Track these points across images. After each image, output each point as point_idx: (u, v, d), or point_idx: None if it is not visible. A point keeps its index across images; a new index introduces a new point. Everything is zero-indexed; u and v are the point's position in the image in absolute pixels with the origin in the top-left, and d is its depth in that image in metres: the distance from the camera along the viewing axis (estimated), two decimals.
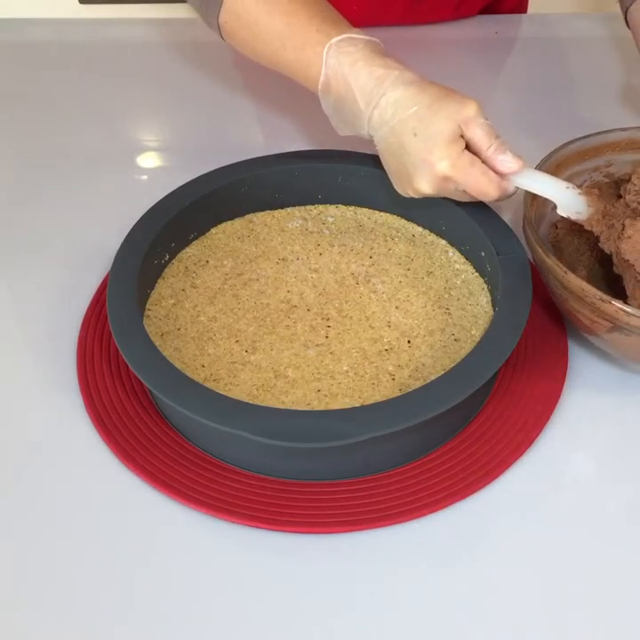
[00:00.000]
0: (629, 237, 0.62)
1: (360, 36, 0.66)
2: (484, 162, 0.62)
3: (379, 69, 0.64)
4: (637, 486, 0.61)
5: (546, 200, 0.67)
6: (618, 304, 0.57)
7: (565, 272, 0.59)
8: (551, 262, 0.60)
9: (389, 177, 0.68)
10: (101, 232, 0.79)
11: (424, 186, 0.64)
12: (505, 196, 0.64)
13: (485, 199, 0.64)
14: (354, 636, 0.53)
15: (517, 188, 0.64)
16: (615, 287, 0.69)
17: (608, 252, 0.65)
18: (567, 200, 0.65)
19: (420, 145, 0.62)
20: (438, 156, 0.61)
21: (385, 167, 0.68)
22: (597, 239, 0.66)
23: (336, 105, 0.67)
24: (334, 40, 0.65)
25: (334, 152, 0.78)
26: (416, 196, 0.66)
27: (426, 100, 0.62)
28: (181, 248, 0.74)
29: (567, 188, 0.65)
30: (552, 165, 0.68)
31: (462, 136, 0.62)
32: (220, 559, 0.57)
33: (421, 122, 0.62)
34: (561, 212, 0.65)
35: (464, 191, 0.63)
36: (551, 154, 0.69)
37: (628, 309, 0.56)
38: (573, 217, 0.65)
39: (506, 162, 0.62)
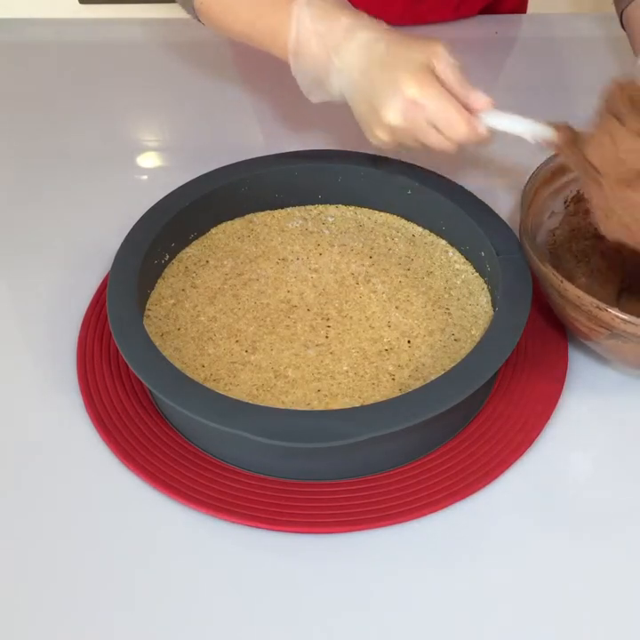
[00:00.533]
0: (592, 137, 0.60)
1: None
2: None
3: (347, 19, 0.64)
4: (637, 486, 0.61)
5: (542, 207, 0.67)
6: (614, 312, 0.57)
7: (562, 281, 0.59)
8: (547, 271, 0.60)
9: (360, 124, 0.67)
10: (101, 232, 0.79)
11: (392, 114, 0.62)
12: (474, 137, 0.62)
13: (455, 136, 0.62)
14: (354, 635, 0.53)
15: (488, 130, 0.63)
16: (616, 293, 0.70)
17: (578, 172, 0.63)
18: (537, 130, 0.63)
19: (388, 74, 0.61)
20: (407, 79, 0.60)
21: (355, 114, 0.66)
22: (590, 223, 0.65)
23: (306, 62, 0.66)
24: None
25: (334, 152, 0.78)
26: (385, 138, 0.64)
27: (395, 38, 0.62)
28: (181, 248, 0.74)
29: (535, 122, 0.63)
30: (547, 173, 0.68)
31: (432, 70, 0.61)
32: (220, 559, 0.57)
33: (390, 55, 0.62)
34: (531, 139, 0.63)
35: (434, 127, 0.62)
36: (546, 161, 0.68)
37: (625, 317, 0.56)
38: (543, 143, 0.63)
39: (477, 98, 0.62)
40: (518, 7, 1.15)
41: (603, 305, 0.57)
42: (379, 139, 0.65)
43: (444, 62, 0.61)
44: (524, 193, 0.66)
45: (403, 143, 0.65)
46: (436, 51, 0.61)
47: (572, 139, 0.62)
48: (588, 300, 0.58)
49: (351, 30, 0.63)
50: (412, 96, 0.61)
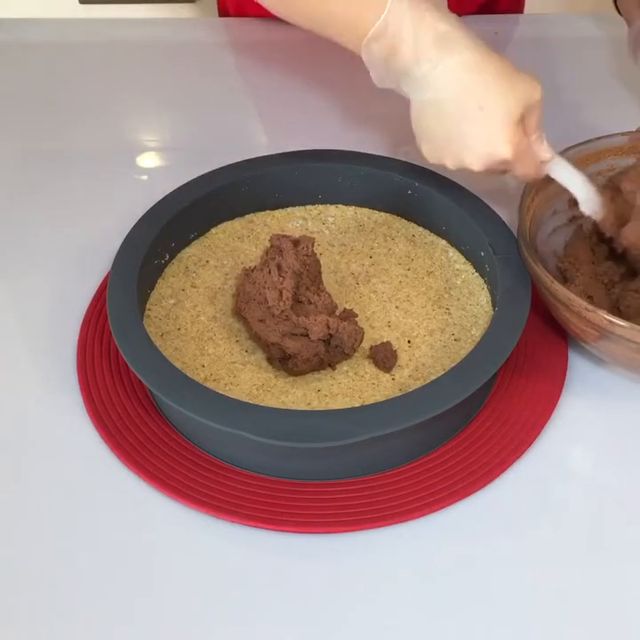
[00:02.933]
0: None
1: None
2: None
3: (444, 25, 0.61)
4: (637, 486, 0.61)
5: (545, 205, 0.67)
6: (603, 314, 0.57)
7: (552, 282, 0.59)
8: (540, 272, 0.60)
9: (424, 141, 0.65)
10: (101, 232, 0.79)
11: (474, 161, 0.62)
12: (534, 181, 0.67)
13: (524, 181, 0.66)
14: (354, 635, 0.53)
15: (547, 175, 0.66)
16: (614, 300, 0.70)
17: (620, 249, 0.67)
18: (588, 198, 0.66)
19: (486, 120, 0.61)
20: (505, 138, 0.60)
21: (421, 129, 0.65)
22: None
23: (387, 54, 0.62)
24: None
25: (334, 152, 0.78)
26: (452, 168, 0.64)
27: (493, 71, 0.61)
28: (181, 248, 0.74)
29: (589, 186, 0.66)
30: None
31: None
32: (220, 559, 0.57)
33: (489, 95, 0.60)
34: (582, 209, 0.67)
35: (509, 173, 0.64)
36: None
37: (613, 319, 0.56)
38: (592, 215, 0.67)
39: (544, 151, 0.64)
40: (514, 6, 1.15)
41: (591, 306, 0.57)
42: (442, 163, 0.65)
43: (535, 112, 0.62)
44: (523, 194, 0.67)
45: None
46: (535, 100, 0.61)
47: (616, 217, 0.66)
48: (578, 302, 0.58)
49: (443, 41, 0.60)
50: (504, 156, 0.61)
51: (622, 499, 0.60)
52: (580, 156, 0.70)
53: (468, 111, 0.61)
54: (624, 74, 1.00)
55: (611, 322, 0.57)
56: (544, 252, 0.69)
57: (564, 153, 0.69)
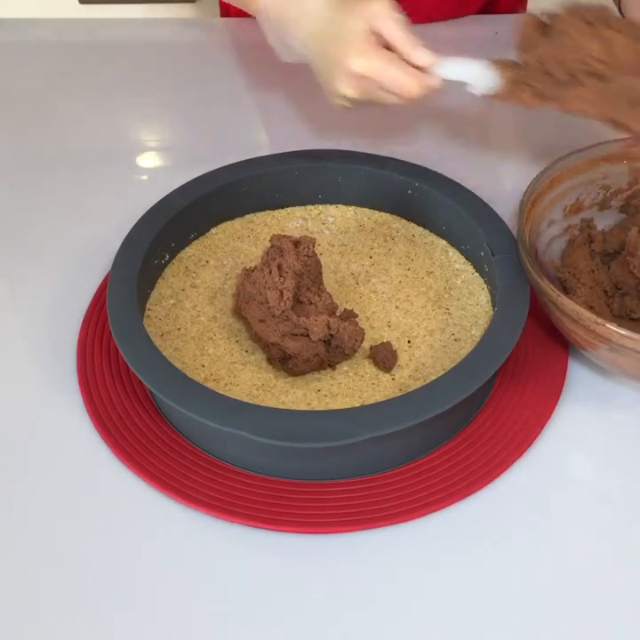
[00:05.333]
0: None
1: None
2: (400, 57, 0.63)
3: None
4: (636, 486, 0.61)
5: (542, 216, 0.67)
6: (612, 327, 0.57)
7: (559, 295, 0.59)
8: (545, 285, 0.60)
9: (322, 88, 0.69)
10: (101, 232, 0.79)
11: (345, 88, 0.65)
12: (428, 92, 0.64)
13: (409, 96, 0.64)
14: (354, 635, 0.53)
15: (442, 80, 0.64)
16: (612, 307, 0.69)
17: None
18: (477, 76, 0.64)
19: (337, 48, 0.63)
20: (353, 54, 0.62)
21: (319, 81, 0.69)
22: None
23: (273, 28, 0.69)
24: None
25: (334, 152, 0.78)
26: (346, 103, 0.67)
27: (336, 3, 0.64)
28: (181, 248, 0.74)
29: (483, 65, 0.64)
30: (546, 182, 0.68)
31: (375, 33, 0.63)
32: (220, 559, 0.57)
33: (335, 25, 0.64)
34: (474, 91, 0.64)
35: (388, 91, 0.64)
36: (545, 170, 0.68)
37: (622, 332, 0.56)
38: (486, 92, 0.64)
39: (420, 55, 0.63)
40: (516, 5, 1.15)
41: (600, 320, 0.57)
42: (339, 103, 0.68)
43: (384, 20, 0.63)
44: (522, 204, 0.66)
45: (364, 102, 0.67)
46: (374, 12, 0.63)
47: (514, 82, 0.63)
48: (586, 316, 0.57)
49: None
50: (358, 71, 0.63)
51: (621, 498, 0.60)
52: (573, 165, 0.69)
53: (327, 47, 0.65)
54: None
55: (621, 335, 0.56)
56: (542, 263, 0.69)
57: (556, 163, 0.68)
